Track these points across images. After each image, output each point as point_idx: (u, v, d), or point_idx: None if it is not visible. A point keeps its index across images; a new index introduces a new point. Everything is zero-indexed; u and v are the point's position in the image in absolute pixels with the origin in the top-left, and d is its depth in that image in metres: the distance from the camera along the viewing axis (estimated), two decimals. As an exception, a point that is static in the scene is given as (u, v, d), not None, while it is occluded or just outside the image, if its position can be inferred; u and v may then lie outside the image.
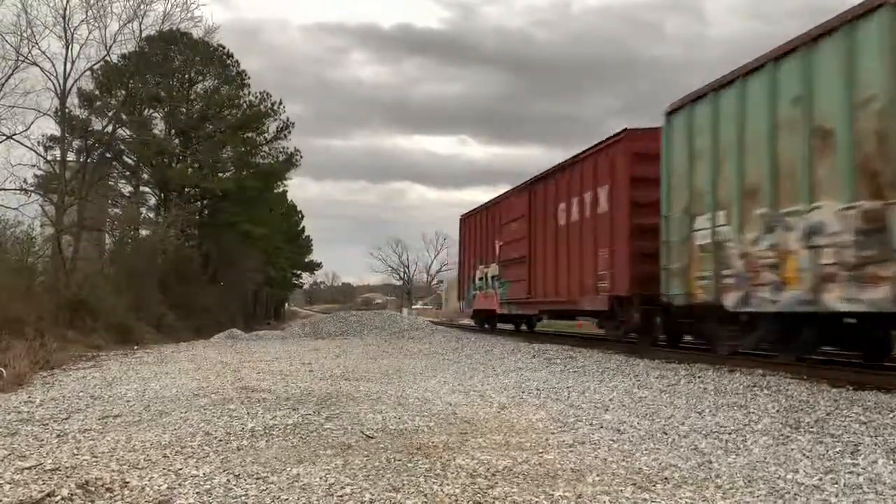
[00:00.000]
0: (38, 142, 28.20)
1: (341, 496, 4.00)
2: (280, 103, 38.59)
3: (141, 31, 27.62)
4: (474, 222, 22.97)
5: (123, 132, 32.14)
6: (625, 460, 4.84)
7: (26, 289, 20.34)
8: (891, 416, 6.07)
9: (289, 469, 4.58)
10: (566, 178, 15.45)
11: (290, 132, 39.29)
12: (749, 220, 9.48)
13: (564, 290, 15.19)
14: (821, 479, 4.28)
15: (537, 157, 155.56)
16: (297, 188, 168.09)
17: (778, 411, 6.50)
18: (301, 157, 40.32)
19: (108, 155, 31.22)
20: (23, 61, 24.28)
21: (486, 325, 23.40)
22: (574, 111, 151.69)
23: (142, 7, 26.74)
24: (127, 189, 36.01)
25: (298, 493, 4.05)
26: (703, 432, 5.70)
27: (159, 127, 35.66)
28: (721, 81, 10.17)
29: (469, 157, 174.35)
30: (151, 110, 34.78)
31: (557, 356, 12.59)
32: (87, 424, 6.40)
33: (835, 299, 7.95)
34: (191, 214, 35.38)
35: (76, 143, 28.92)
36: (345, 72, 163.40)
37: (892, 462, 4.63)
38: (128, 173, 35.67)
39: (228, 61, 37.00)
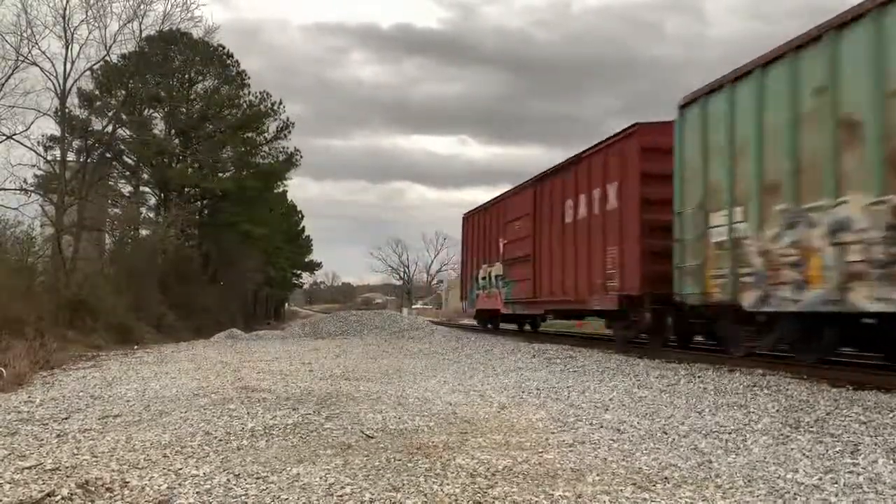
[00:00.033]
0: (38, 142, 28.27)
1: (341, 496, 4.00)
2: (280, 103, 38.65)
3: (141, 31, 27.68)
4: (477, 221, 22.63)
5: (123, 132, 32.18)
6: (625, 460, 4.84)
7: (26, 289, 20.34)
8: (891, 415, 6.07)
9: (289, 469, 4.58)
10: (573, 174, 15.12)
11: (290, 132, 39.36)
12: (769, 216, 9.11)
13: (572, 290, 14.87)
14: (821, 479, 4.27)
15: (537, 157, 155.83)
16: (297, 188, 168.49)
17: (778, 411, 6.50)
18: (301, 157, 40.40)
19: (108, 155, 31.22)
20: (23, 61, 24.33)
21: (490, 326, 23.10)
22: (574, 111, 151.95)
23: (142, 7, 26.80)
24: (127, 189, 36.05)
25: (298, 493, 4.05)
26: (703, 432, 5.70)
27: (159, 127, 35.71)
28: (738, 73, 9.78)
29: (469, 157, 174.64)
30: (151, 110, 34.80)
31: (557, 356, 12.60)
32: (87, 424, 6.40)
33: (863, 299, 7.57)
34: (191, 214, 35.39)
35: (76, 143, 28.95)
36: (345, 72, 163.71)
37: (892, 462, 4.63)
38: (128, 173, 35.68)
39: (228, 61, 37.02)
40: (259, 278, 48.04)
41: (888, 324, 8.23)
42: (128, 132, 32.47)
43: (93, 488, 4.19)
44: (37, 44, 24.98)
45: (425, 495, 4.01)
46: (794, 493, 4.01)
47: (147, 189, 37.23)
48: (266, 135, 38.71)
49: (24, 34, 24.37)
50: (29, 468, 4.70)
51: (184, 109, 35.95)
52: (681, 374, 9.35)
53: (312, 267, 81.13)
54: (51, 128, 40.15)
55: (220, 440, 5.55)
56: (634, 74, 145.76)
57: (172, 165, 35.45)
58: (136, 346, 19.73)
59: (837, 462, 4.67)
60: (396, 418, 6.42)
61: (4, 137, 24.47)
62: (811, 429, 5.71)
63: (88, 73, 27.82)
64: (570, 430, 5.92)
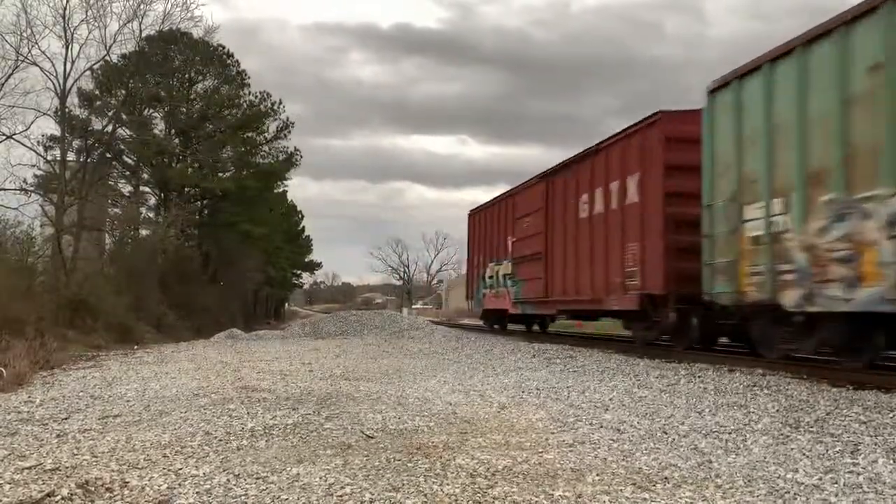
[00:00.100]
0: (38, 142, 28.28)
1: (341, 496, 4.00)
2: (280, 103, 38.67)
3: (141, 31, 27.68)
4: (484, 218, 21.90)
5: (123, 132, 32.18)
6: (625, 460, 4.84)
7: (26, 289, 20.33)
8: (891, 415, 6.07)
9: (289, 469, 4.58)
10: (589, 167, 14.32)
11: (289, 132, 39.38)
12: (814, 207, 8.37)
13: (587, 289, 14.14)
14: (821, 479, 4.27)
15: (536, 156, 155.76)
16: (297, 188, 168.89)
17: (778, 411, 6.49)
18: (301, 156, 40.42)
19: (108, 155, 31.23)
20: (23, 61, 24.33)
21: (496, 326, 22.39)
22: (573, 111, 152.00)
23: (142, 7, 26.80)
24: (127, 189, 36.06)
25: (298, 493, 4.05)
26: (703, 432, 5.70)
27: (159, 127, 35.71)
28: (777, 52, 9.01)
29: (468, 156, 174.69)
30: (151, 110, 34.80)
31: (557, 356, 12.59)
32: (87, 424, 6.40)
33: None
34: (191, 214, 35.41)
35: (76, 143, 28.97)
36: (344, 71, 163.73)
37: (891, 461, 4.63)
38: (128, 173, 35.70)
39: (228, 61, 37.03)
40: (259, 278, 48.07)
41: None
42: (128, 132, 32.49)
43: (93, 488, 4.19)
44: (37, 44, 25.02)
45: (425, 495, 4.01)
46: (794, 493, 4.01)
47: (147, 189, 37.31)
48: (266, 135, 38.77)
49: (24, 34, 24.41)
50: (29, 468, 4.71)
51: (184, 109, 35.95)
52: (681, 373, 9.35)
53: (312, 267, 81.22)
54: (51, 128, 40.17)
55: (220, 440, 5.55)
56: (633, 74, 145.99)
57: (172, 165, 35.46)
58: (136, 346, 19.73)
59: (837, 462, 4.67)
60: (396, 418, 6.42)
61: (4, 137, 24.51)
62: (811, 429, 5.71)
63: (88, 72, 27.87)
64: (570, 430, 5.92)
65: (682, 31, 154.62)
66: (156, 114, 35.32)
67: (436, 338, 19.90)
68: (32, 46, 24.70)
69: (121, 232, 33.08)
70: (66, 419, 6.73)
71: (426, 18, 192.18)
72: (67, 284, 23.21)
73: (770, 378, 8.47)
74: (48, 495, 4.07)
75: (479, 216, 22.74)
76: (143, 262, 29.79)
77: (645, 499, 3.94)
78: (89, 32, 30.09)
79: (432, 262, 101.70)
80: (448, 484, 4.21)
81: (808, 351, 9.28)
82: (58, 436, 5.88)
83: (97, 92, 31.23)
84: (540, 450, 5.16)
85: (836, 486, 4.15)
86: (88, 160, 28.33)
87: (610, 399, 7.53)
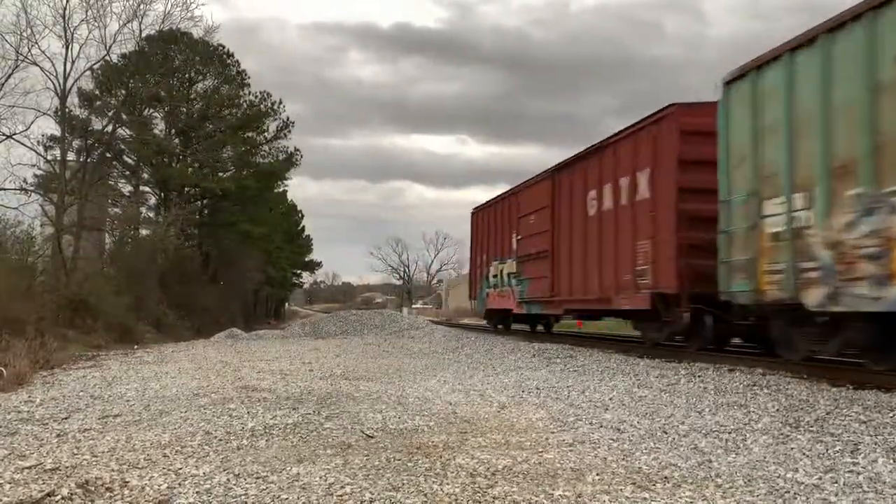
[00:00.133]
0: (38, 141, 28.28)
1: (341, 495, 4.00)
2: (280, 103, 38.67)
3: (141, 31, 27.71)
4: (487, 216, 21.40)
5: (123, 132, 32.18)
6: (625, 459, 4.84)
7: (26, 289, 20.33)
8: (891, 415, 6.07)
9: (289, 468, 4.58)
10: (597, 162, 13.86)
11: (289, 132, 39.39)
12: (839, 201, 7.97)
13: (595, 288, 13.70)
14: (820, 479, 4.28)
15: (535, 156, 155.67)
16: (297, 188, 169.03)
17: (778, 410, 6.49)
18: (301, 156, 40.43)
19: (108, 154, 31.23)
20: (23, 61, 24.36)
21: (500, 326, 21.86)
22: (572, 110, 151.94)
23: (142, 7, 26.82)
24: (127, 189, 36.07)
25: (298, 493, 4.05)
26: (703, 431, 5.70)
27: (159, 127, 35.71)
28: (798, 40, 8.62)
29: (468, 156, 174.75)
30: (151, 110, 34.79)
31: (557, 355, 12.59)
32: (87, 424, 6.41)
33: None
34: (191, 214, 35.42)
35: (76, 143, 28.97)
36: (343, 71, 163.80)
37: (891, 461, 4.63)
38: (128, 173, 35.70)
39: (228, 61, 37.03)
40: (259, 278, 48.10)
41: None
42: (128, 132, 32.49)
43: (93, 488, 4.20)
44: (37, 43, 25.06)
45: (425, 495, 4.01)
46: (794, 493, 4.01)
47: (147, 189, 37.31)
48: (266, 134, 38.78)
49: (24, 34, 24.44)
50: (29, 468, 4.71)
51: (184, 109, 35.95)
52: (681, 373, 9.34)
53: (312, 266, 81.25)
54: (51, 127, 40.28)
55: (220, 440, 5.55)
56: (632, 74, 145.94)
57: (172, 165, 35.46)
58: (136, 346, 19.74)
59: (837, 461, 4.67)
60: (396, 418, 6.42)
61: (4, 137, 24.52)
62: (811, 428, 5.71)
63: (88, 72, 27.88)
64: (570, 430, 5.92)
65: (681, 30, 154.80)
66: (156, 114, 35.34)
67: (436, 337, 19.90)
68: (32, 46, 24.77)
69: (121, 232, 33.09)
70: (66, 419, 6.74)
71: (425, 18, 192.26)
72: (67, 284, 23.22)
73: (770, 378, 8.46)
74: (48, 495, 4.07)
75: (482, 214, 22.35)
76: (143, 262, 29.80)
77: (645, 498, 3.94)
78: (89, 32, 30.17)
79: (432, 261, 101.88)
80: (448, 483, 4.21)
81: (831, 353, 8.92)
82: (58, 435, 5.88)
83: (97, 92, 31.24)
84: (540, 449, 5.16)
85: (835, 485, 4.15)
86: (88, 160, 28.35)
87: (610, 399, 7.53)
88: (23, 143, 25.49)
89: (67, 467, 4.73)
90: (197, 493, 4.07)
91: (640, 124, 12.44)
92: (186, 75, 36.06)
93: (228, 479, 4.33)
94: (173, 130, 36.02)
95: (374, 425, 6.09)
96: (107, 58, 27.52)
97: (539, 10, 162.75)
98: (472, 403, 7.41)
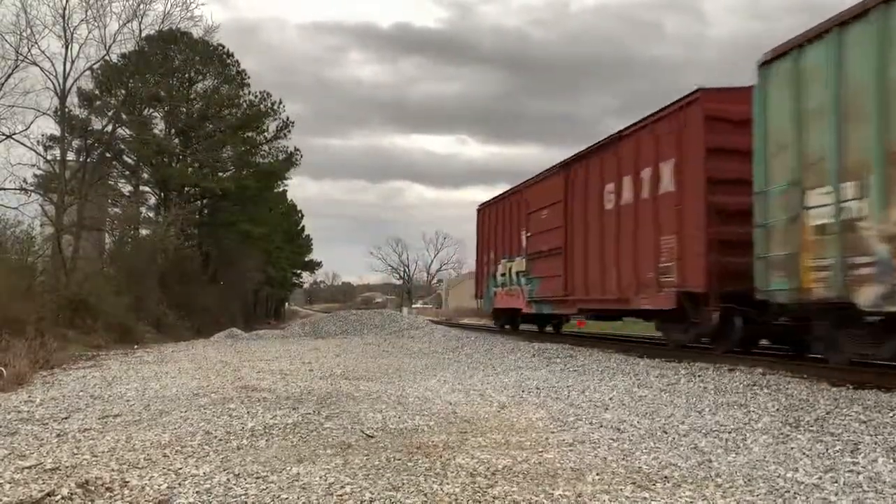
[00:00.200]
0: (38, 141, 28.28)
1: (341, 495, 4.00)
2: (280, 103, 38.69)
3: (140, 31, 27.71)
4: (495, 212, 20.58)
5: (123, 132, 32.20)
6: (625, 459, 4.84)
7: (26, 288, 20.33)
8: (890, 415, 6.07)
9: (289, 468, 4.58)
10: (614, 154, 13.14)
11: (289, 132, 39.41)
12: None
13: (613, 286, 13.00)
14: (820, 478, 4.28)
15: (535, 156, 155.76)
16: (297, 188, 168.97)
17: (778, 410, 6.49)
18: (301, 156, 40.44)
19: (108, 154, 31.24)
20: (22, 61, 24.36)
21: (507, 326, 21.24)
22: (571, 110, 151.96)
23: (141, 7, 26.82)
24: (127, 189, 36.08)
25: (298, 493, 4.05)
26: (703, 431, 5.70)
27: (159, 126, 35.72)
28: (850, 13, 7.87)
29: (468, 156, 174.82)
30: (151, 110, 34.80)
31: (557, 355, 12.58)
32: (87, 424, 6.41)
33: None
34: (191, 214, 35.43)
35: (76, 143, 28.98)
36: (343, 71, 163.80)
37: (891, 461, 4.63)
38: (128, 173, 35.71)
39: (228, 61, 37.04)
40: (259, 278, 48.10)
41: None
42: (128, 132, 32.50)
43: (93, 488, 4.20)
44: (36, 43, 25.06)
45: (425, 495, 4.01)
46: (794, 493, 4.01)
47: (147, 189, 37.33)
48: (266, 134, 38.79)
49: (24, 34, 24.44)
50: (29, 468, 4.71)
51: (184, 109, 35.97)
52: (681, 373, 9.34)
53: (312, 266, 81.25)
54: (51, 127, 40.28)
55: (220, 440, 5.55)
56: (632, 74, 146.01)
57: (172, 165, 35.47)
58: (136, 346, 19.75)
59: (837, 461, 4.67)
60: (396, 418, 6.42)
61: (4, 137, 24.52)
62: (811, 428, 5.71)
63: (88, 72, 27.89)
64: (570, 430, 5.92)
65: (681, 30, 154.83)
66: (156, 113, 35.35)
67: (436, 337, 19.90)
68: (32, 46, 24.77)
69: (121, 232, 33.09)
70: (66, 419, 6.74)
71: (425, 18, 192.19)
72: (67, 284, 23.22)
73: (770, 377, 8.46)
74: (48, 495, 4.07)
75: (489, 210, 21.44)
76: (143, 262, 29.80)
77: (645, 498, 3.94)
78: (89, 32, 30.19)
79: (432, 261, 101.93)
80: (448, 483, 4.21)
81: (885, 357, 8.25)
82: (58, 435, 5.88)
83: (97, 92, 31.25)
84: (540, 449, 5.16)
85: (835, 485, 4.15)
86: (88, 160, 28.35)
87: (610, 398, 7.53)
88: (23, 143, 25.55)
89: (67, 467, 4.73)
90: (197, 492, 4.07)
91: (662, 113, 11.79)
92: (186, 75, 36.07)
93: (228, 479, 4.33)
94: (173, 130, 36.03)
95: (374, 425, 6.09)
96: (106, 58, 27.57)
97: (539, 10, 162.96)
98: (472, 403, 7.41)
